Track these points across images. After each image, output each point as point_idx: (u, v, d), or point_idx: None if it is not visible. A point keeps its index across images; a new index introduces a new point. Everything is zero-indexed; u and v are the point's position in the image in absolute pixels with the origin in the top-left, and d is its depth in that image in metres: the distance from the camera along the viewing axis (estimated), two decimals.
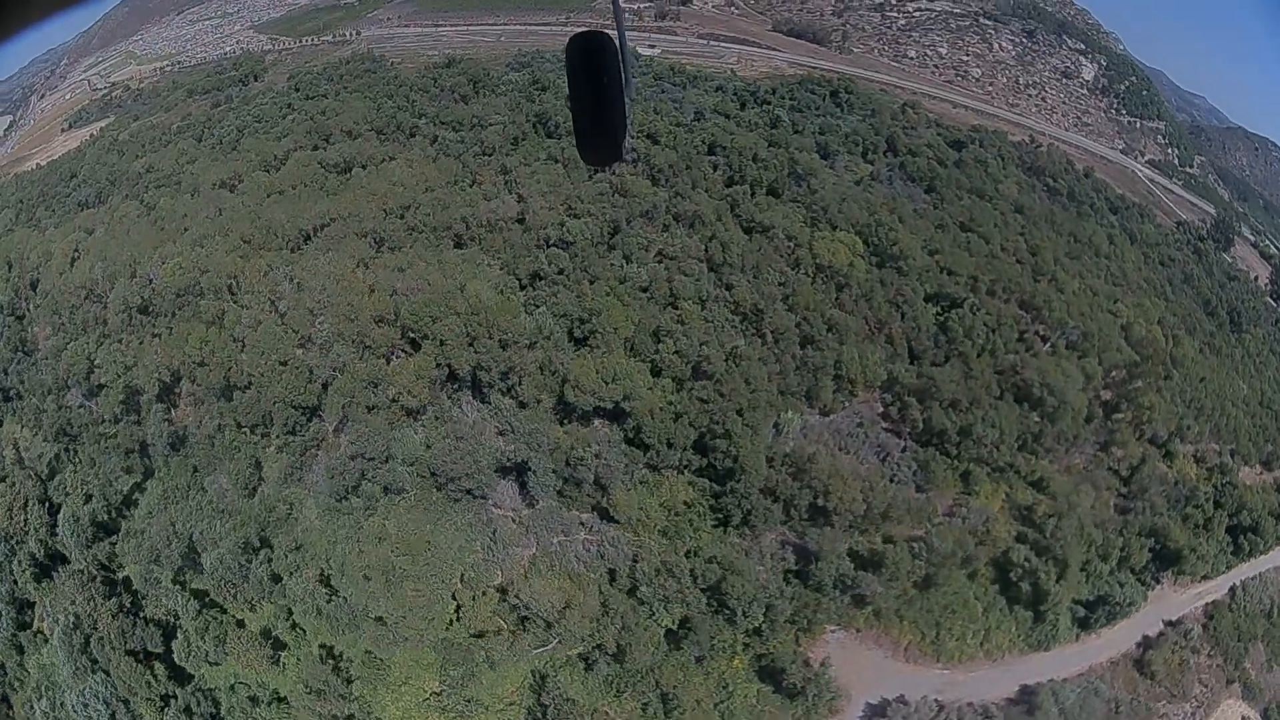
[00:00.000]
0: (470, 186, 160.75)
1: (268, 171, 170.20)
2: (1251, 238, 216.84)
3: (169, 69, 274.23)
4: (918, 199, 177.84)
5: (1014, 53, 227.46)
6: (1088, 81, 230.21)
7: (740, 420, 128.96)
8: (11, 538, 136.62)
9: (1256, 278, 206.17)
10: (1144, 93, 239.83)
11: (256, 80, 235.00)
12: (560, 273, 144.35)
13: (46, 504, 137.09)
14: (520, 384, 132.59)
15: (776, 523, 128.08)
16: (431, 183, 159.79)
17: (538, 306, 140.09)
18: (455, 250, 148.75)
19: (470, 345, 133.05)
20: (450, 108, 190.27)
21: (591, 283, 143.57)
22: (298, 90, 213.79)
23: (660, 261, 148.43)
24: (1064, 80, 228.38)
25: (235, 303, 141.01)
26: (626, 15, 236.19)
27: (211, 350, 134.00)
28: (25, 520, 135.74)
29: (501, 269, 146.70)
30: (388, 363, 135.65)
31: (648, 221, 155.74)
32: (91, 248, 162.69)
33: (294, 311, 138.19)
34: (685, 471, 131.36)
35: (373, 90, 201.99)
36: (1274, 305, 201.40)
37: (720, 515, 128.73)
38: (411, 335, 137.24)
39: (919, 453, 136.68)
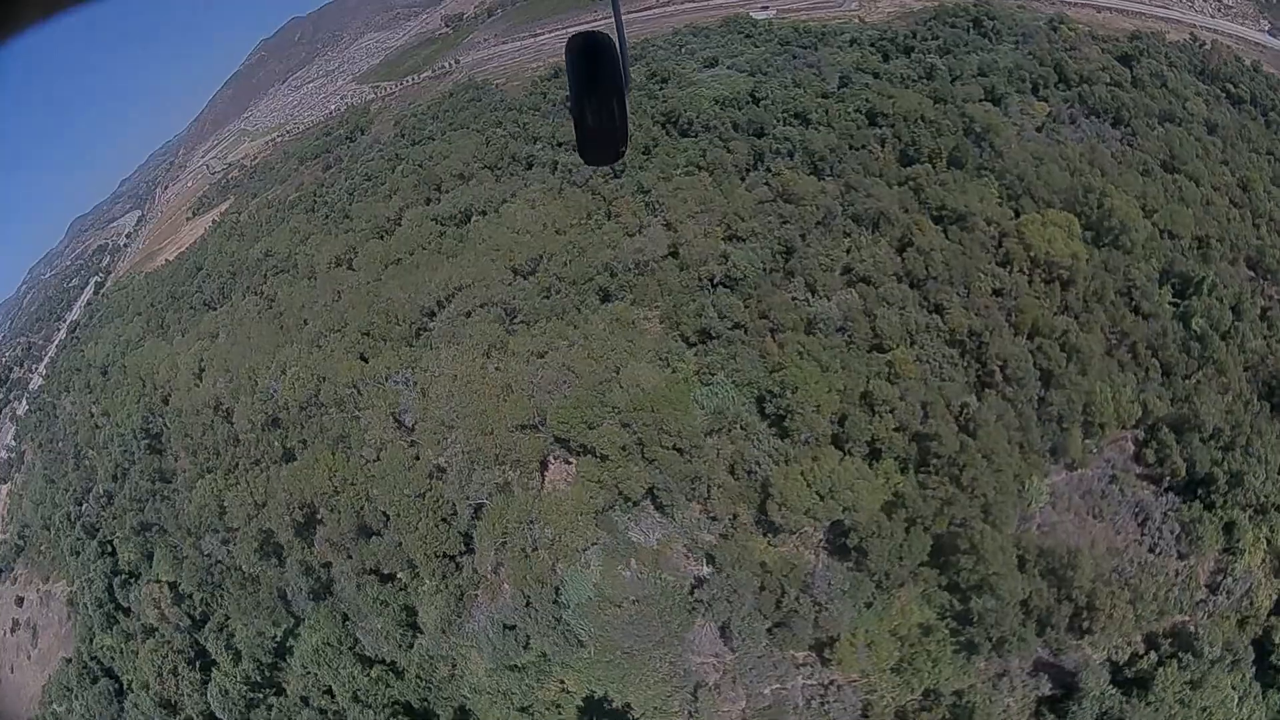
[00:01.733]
0: (607, 220, 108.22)
1: (382, 238, 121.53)
2: None
3: (280, 139, 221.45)
4: (1109, 138, 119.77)
5: None
6: None
7: (984, 519, 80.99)
8: (167, 704, 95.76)
9: None
10: None
11: (363, 133, 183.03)
12: (735, 326, 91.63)
13: (198, 662, 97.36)
14: (710, 495, 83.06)
15: (1033, 650, 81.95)
16: (560, 223, 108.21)
17: (713, 374, 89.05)
18: (603, 306, 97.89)
19: (640, 455, 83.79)
20: (565, 124, 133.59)
21: (775, 334, 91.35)
22: (404, 136, 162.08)
23: (852, 285, 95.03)
24: None
25: (358, 420, 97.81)
26: None
27: (341, 479, 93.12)
28: (177, 685, 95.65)
29: (661, 323, 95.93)
30: (542, 480, 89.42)
31: (824, 231, 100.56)
32: (216, 357, 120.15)
33: (422, 425, 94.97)
34: (918, 581, 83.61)
35: (480, 120, 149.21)
36: None
37: (963, 640, 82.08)
38: (565, 441, 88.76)
39: (1181, 510, 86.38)
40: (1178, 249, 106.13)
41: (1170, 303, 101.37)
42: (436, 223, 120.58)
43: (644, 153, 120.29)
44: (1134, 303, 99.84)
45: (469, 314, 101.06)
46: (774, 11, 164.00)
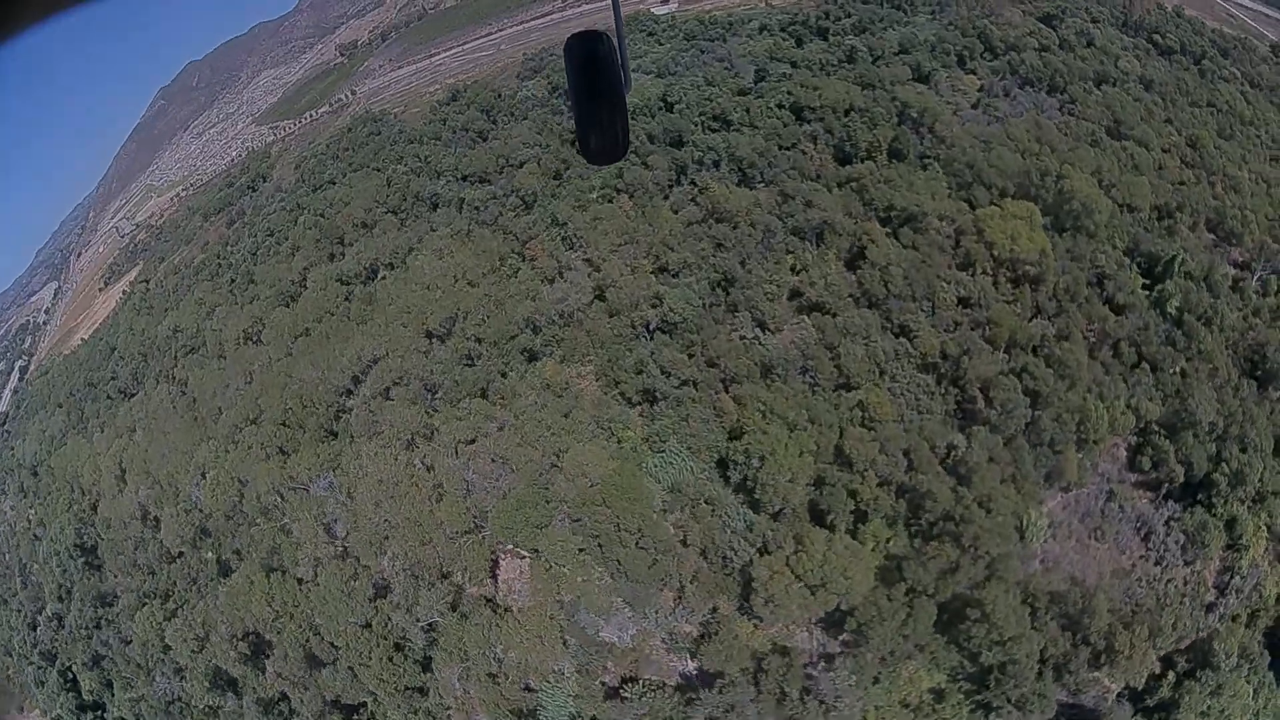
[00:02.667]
0: (522, 264, 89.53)
1: (288, 305, 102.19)
2: None
3: (184, 193, 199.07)
4: (1048, 108, 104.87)
5: None
6: None
7: (988, 576, 66.25)
8: None
9: None
10: None
11: (265, 180, 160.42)
12: (683, 384, 74.33)
13: None
14: (684, 591, 67.06)
15: (1054, 704, 69.37)
16: (471, 273, 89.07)
17: (664, 441, 72.15)
18: (531, 367, 79.25)
19: (600, 556, 67.21)
20: (469, 154, 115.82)
21: (729, 386, 74.93)
22: (305, 181, 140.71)
23: (803, 312, 78.77)
24: None
25: (288, 534, 79.23)
26: None
27: (281, 604, 75.98)
28: None
29: (597, 380, 78.11)
30: (495, 585, 72.01)
31: (765, 252, 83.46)
32: (135, 458, 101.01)
33: (355, 536, 76.05)
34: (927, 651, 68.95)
35: (380, 157, 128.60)
36: None
37: (980, 700, 68.74)
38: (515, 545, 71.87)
39: (1184, 518, 74.60)
40: (1139, 223, 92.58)
41: (1143, 287, 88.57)
42: (342, 283, 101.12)
43: (554, 178, 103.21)
44: (1107, 294, 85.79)
45: (386, 392, 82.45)
46: (675, 5, 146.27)
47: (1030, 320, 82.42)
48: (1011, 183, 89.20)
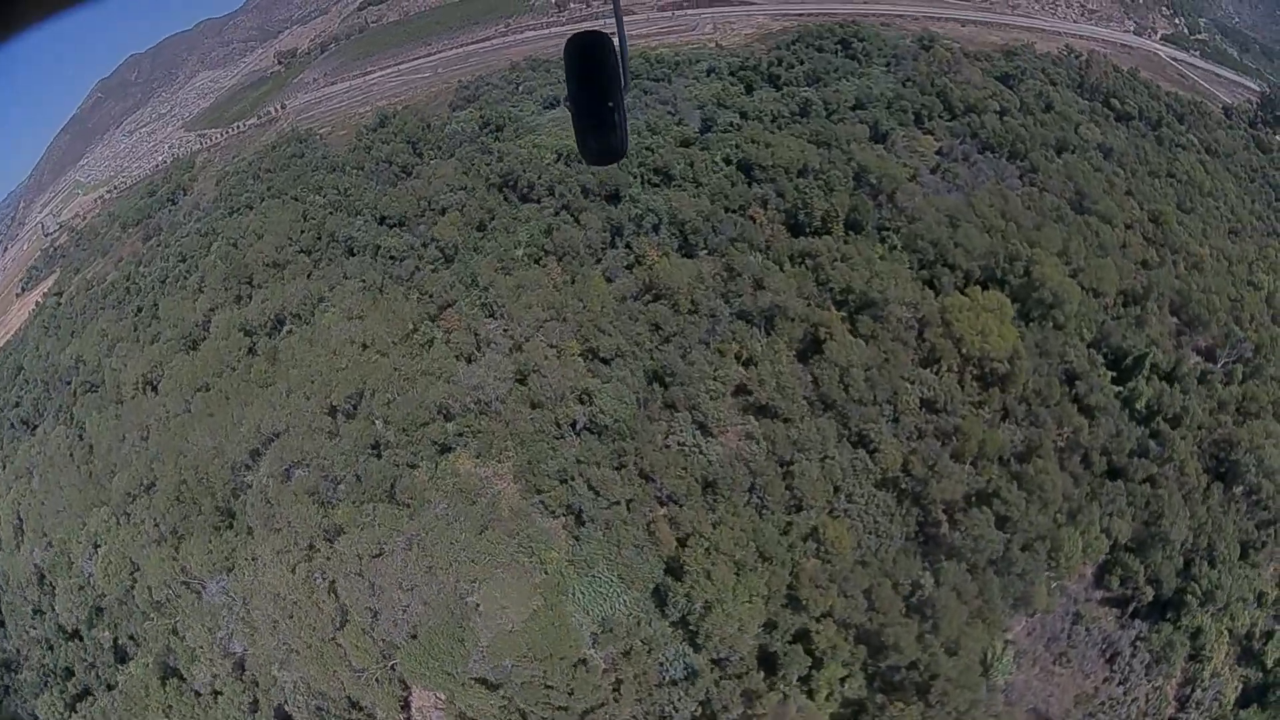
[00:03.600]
0: (437, 334, 74.71)
1: (190, 350, 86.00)
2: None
3: (109, 195, 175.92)
4: (1009, 175, 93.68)
5: None
6: None
7: None
8: None
9: None
10: None
11: (185, 194, 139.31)
12: (613, 504, 60.09)
13: None
14: None
15: None
16: (381, 341, 74.27)
17: (592, 567, 58.16)
18: (443, 460, 65.21)
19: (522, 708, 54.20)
20: (390, 192, 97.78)
21: (665, 504, 61.99)
22: (223, 201, 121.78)
23: (754, 414, 65.14)
24: None
25: (182, 639, 64.98)
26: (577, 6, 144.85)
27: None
28: None
29: (515, 481, 64.11)
30: None
31: (709, 337, 69.47)
32: (32, 509, 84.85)
33: (253, 656, 62.66)
34: None
35: (300, 184, 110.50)
36: None
37: None
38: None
39: (1151, 638, 66.26)
40: (1105, 309, 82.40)
41: (1112, 381, 78.24)
42: (245, 334, 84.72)
43: (478, 229, 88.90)
44: (1078, 395, 75.27)
45: (287, 473, 68.33)
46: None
47: (999, 424, 71.61)
48: (978, 265, 78.00)
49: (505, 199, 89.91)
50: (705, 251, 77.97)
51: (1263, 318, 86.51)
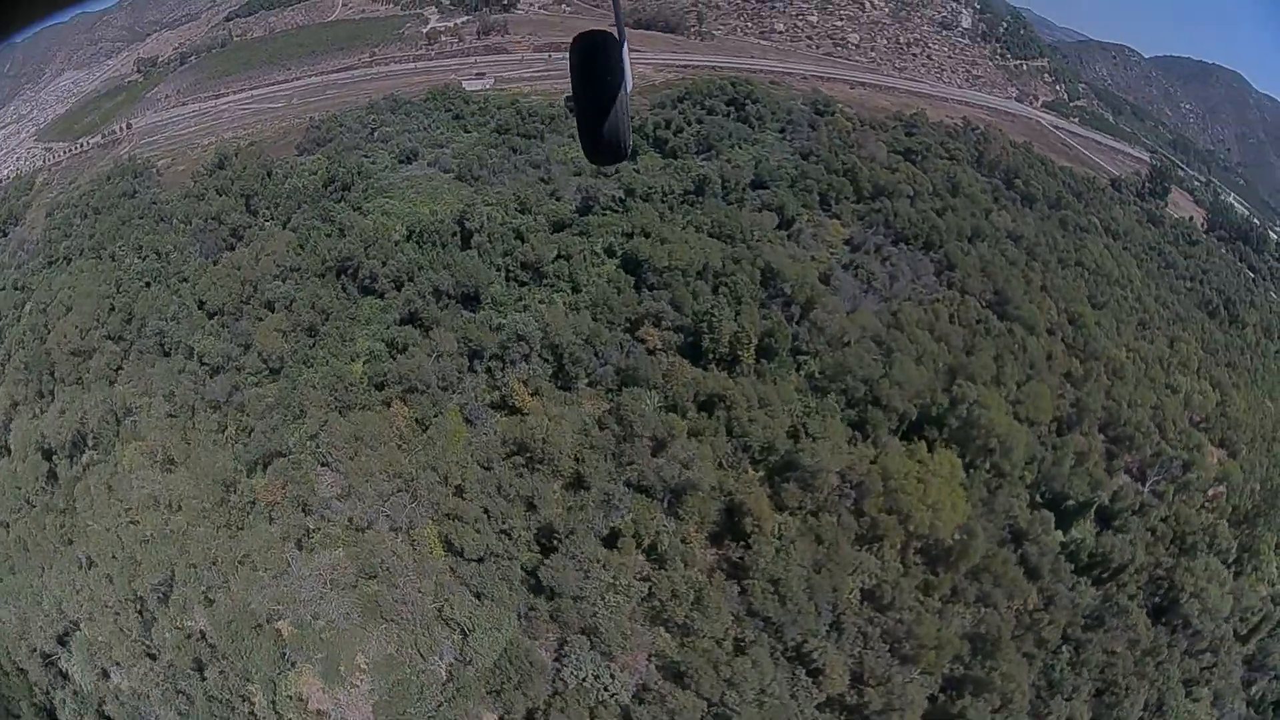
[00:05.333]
0: (259, 504, 51.63)
1: None
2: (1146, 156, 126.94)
3: None
4: (926, 274, 72.64)
5: (888, 9, 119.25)
6: (968, 30, 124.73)
7: None
8: None
9: (1191, 218, 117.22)
10: (1021, 32, 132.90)
11: (17, 225, 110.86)
12: None
13: None
14: None
15: None
16: (191, 508, 51.92)
17: None
18: (283, 678, 44.80)
19: None
20: (211, 271, 72.19)
21: None
22: (48, 244, 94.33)
23: (664, 627, 45.46)
24: (944, 32, 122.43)
25: None
26: (439, 43, 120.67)
27: None
28: None
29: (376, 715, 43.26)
30: None
31: (599, 525, 48.43)
32: None
33: None
34: None
35: (123, 236, 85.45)
36: (1227, 255, 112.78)
37: None
38: None
39: None
40: (1042, 445, 67.43)
41: (1061, 544, 62.90)
42: (44, 455, 62.40)
43: (309, 333, 63.16)
44: (1024, 556, 59.67)
45: (104, 674, 47.70)
46: (491, 82, 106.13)
47: (947, 607, 54.82)
48: (914, 405, 61.33)
49: (343, 290, 65.82)
50: (586, 383, 57.07)
51: (1184, 423, 75.04)
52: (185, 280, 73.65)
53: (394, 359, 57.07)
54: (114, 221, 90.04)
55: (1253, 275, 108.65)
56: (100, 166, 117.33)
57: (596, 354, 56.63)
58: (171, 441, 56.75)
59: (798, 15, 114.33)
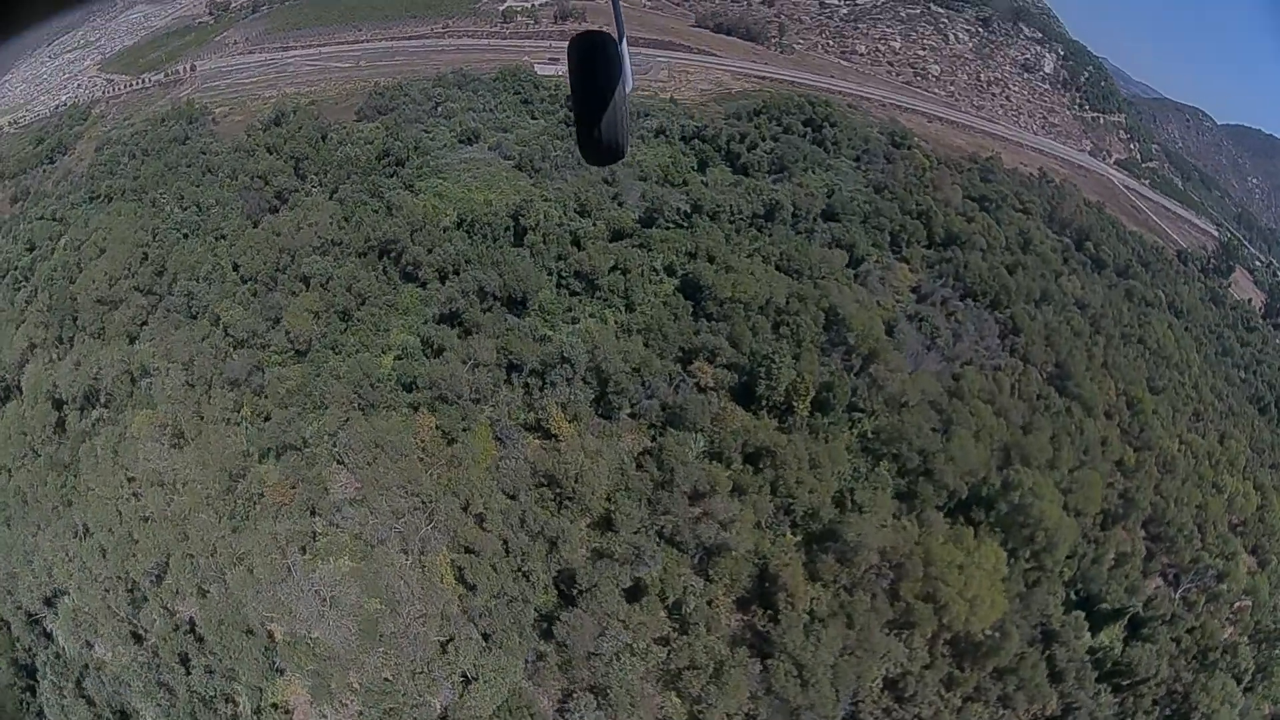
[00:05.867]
0: (260, 502, 47.12)
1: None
2: (1213, 228, 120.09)
3: (9, 129, 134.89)
4: (990, 335, 67.52)
5: (971, 45, 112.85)
6: (1049, 75, 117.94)
7: None
8: None
9: (1250, 300, 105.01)
10: (1102, 84, 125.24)
11: (67, 154, 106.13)
12: None
13: None
14: None
15: None
16: (195, 492, 47.19)
17: None
18: (270, 684, 41.59)
19: None
20: (250, 234, 67.13)
21: None
22: (90, 179, 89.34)
23: (678, 695, 41.05)
24: (1025, 75, 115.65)
25: None
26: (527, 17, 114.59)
27: None
28: None
29: None
30: None
31: (625, 581, 44.63)
32: None
33: None
34: None
35: (168, 183, 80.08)
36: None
37: None
38: None
39: None
40: (1081, 533, 62.85)
41: (1095, 660, 58.48)
42: (55, 405, 58.32)
43: (342, 317, 57.83)
44: (1051, 658, 55.46)
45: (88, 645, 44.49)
46: (561, 67, 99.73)
47: (966, 704, 50.59)
48: (965, 483, 56.74)
49: (384, 273, 61.28)
50: (629, 413, 52.75)
51: (1223, 526, 70.40)
52: (223, 238, 69.02)
53: (427, 360, 52.49)
54: (161, 166, 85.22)
55: None
56: (158, 106, 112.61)
57: (644, 384, 51.93)
58: (184, 415, 52.51)
59: (880, 39, 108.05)
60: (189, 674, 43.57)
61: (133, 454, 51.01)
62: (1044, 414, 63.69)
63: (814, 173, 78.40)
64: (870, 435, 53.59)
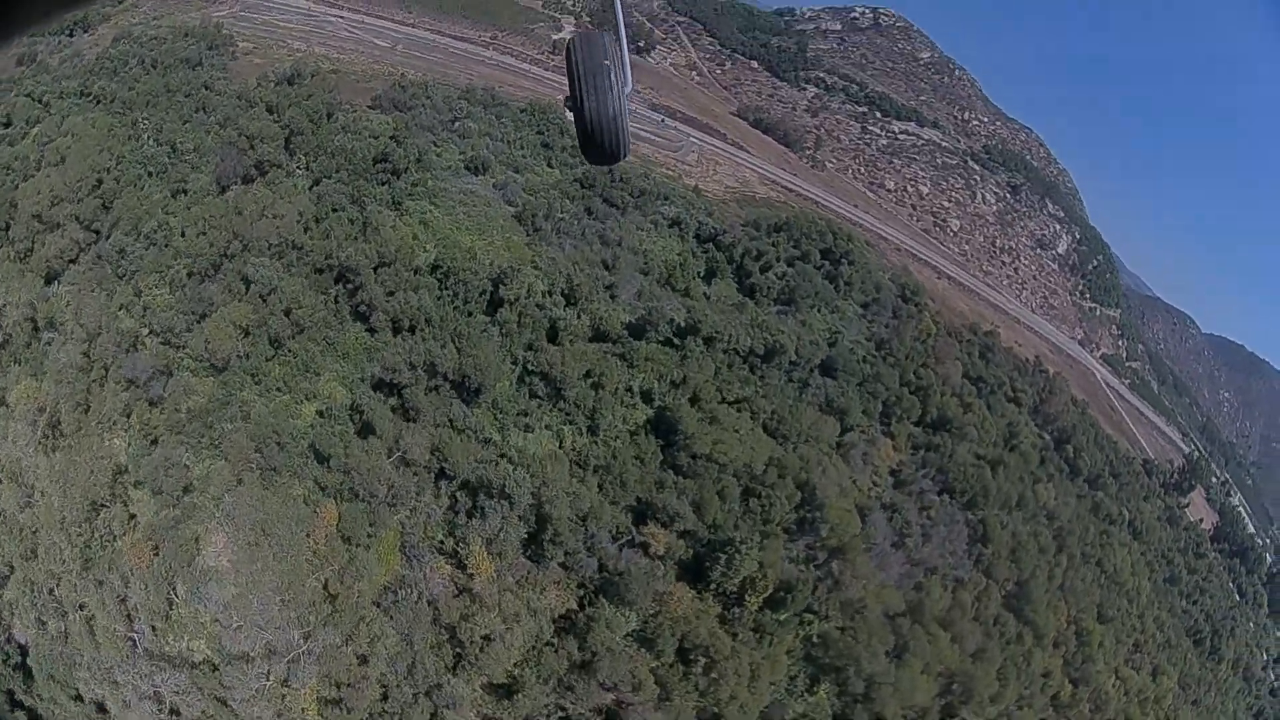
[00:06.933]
0: (122, 543, 37.25)
1: None
2: (1178, 437, 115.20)
3: None
4: (959, 539, 59.54)
5: (996, 208, 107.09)
6: (1060, 256, 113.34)
7: None
8: None
9: (1202, 521, 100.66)
10: (1107, 275, 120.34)
11: (86, 32, 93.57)
12: None
13: None
14: None
15: None
16: (51, 512, 38.79)
17: None
18: None
19: None
20: (208, 203, 55.36)
21: None
22: (93, 73, 77.61)
23: None
24: (1038, 250, 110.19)
25: None
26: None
27: None
28: None
29: None
30: None
31: None
32: None
33: None
34: None
35: (159, 105, 70.03)
36: (1223, 572, 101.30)
37: None
38: None
39: None
40: None
41: None
42: None
43: (273, 343, 47.76)
44: None
45: None
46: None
47: None
48: (904, 717, 48.77)
49: (334, 302, 51.86)
50: (561, 563, 44.31)
51: None
52: (184, 193, 59.43)
53: (351, 428, 43.25)
54: (160, 85, 74.68)
55: (1239, 598, 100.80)
56: (188, 17, 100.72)
57: (588, 535, 43.23)
58: (68, 404, 43.00)
59: (911, 180, 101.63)
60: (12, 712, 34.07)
61: (3, 428, 41.32)
62: (997, 640, 56.53)
63: (820, 312, 70.83)
64: (816, 641, 45.32)
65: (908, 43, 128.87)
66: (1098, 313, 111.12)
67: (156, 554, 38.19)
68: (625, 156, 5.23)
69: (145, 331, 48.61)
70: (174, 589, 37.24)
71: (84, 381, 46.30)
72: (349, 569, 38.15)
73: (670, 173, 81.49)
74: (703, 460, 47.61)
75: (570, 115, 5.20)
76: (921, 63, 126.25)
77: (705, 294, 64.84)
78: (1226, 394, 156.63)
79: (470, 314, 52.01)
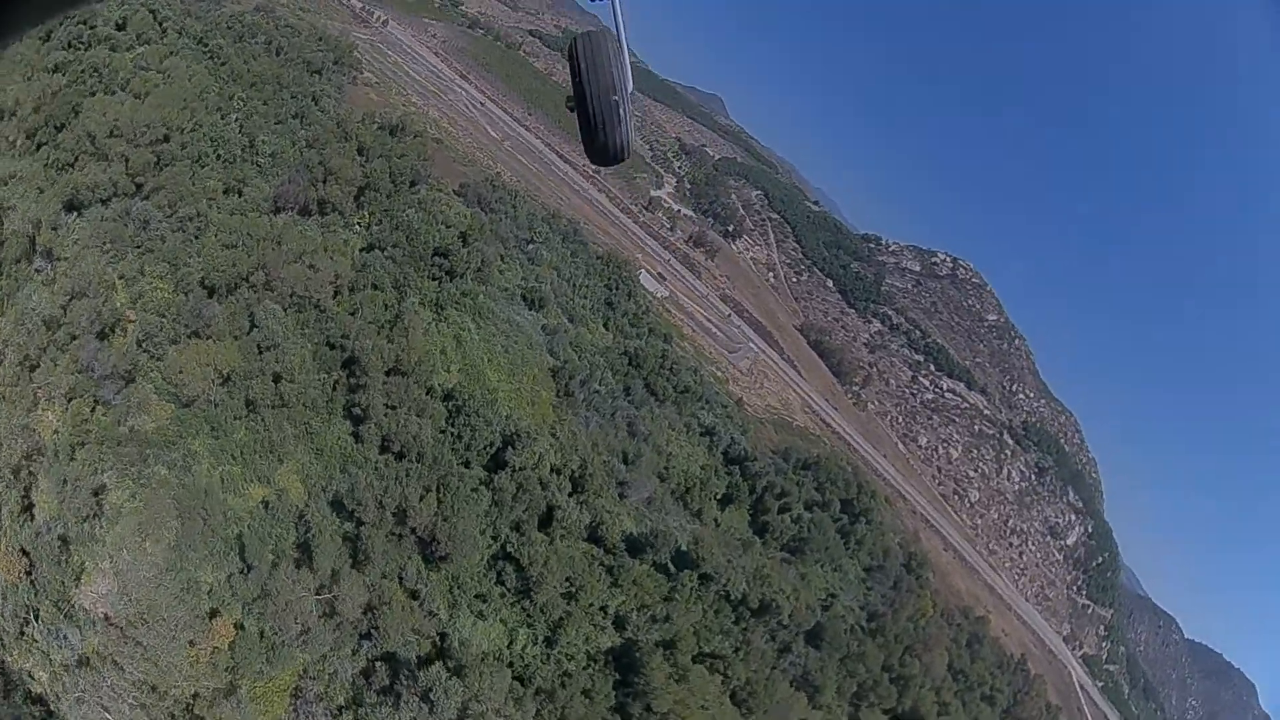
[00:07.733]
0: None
1: None
2: None
3: None
4: None
5: (1019, 487, 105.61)
6: (1068, 547, 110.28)
7: None
8: None
9: None
10: (1108, 575, 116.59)
11: None
12: None
13: None
14: None
15: None
16: None
17: None
18: None
19: None
20: (256, 219, 49.63)
21: None
22: (219, 31, 71.82)
23: None
24: (1048, 538, 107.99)
25: None
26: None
27: None
28: None
29: None
30: None
31: None
32: None
33: None
34: None
35: (264, 91, 65.90)
36: None
37: None
38: None
39: None
40: None
41: None
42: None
43: (248, 405, 42.80)
44: None
45: None
46: (667, 293, 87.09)
47: None
48: None
49: (331, 388, 46.74)
50: None
51: None
52: (239, 194, 55.82)
53: (283, 552, 40.12)
54: (274, 71, 71.18)
55: None
56: (331, 23, 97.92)
57: None
58: (14, 357, 38.94)
59: (944, 440, 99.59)
60: None
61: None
62: None
63: (824, 568, 67.60)
64: None
65: (978, 300, 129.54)
66: (1090, 610, 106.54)
67: (29, 575, 35.24)
68: (627, 157, 4.96)
69: (128, 320, 43.33)
70: (36, 614, 34.33)
71: (44, 338, 41.12)
72: (222, 700, 35.00)
73: (720, 374, 79.89)
74: (656, 716, 44.28)
75: (573, 113, 4.93)
76: (986, 324, 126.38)
77: (716, 519, 62.08)
78: (1194, 702, 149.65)
79: (468, 464, 47.38)
